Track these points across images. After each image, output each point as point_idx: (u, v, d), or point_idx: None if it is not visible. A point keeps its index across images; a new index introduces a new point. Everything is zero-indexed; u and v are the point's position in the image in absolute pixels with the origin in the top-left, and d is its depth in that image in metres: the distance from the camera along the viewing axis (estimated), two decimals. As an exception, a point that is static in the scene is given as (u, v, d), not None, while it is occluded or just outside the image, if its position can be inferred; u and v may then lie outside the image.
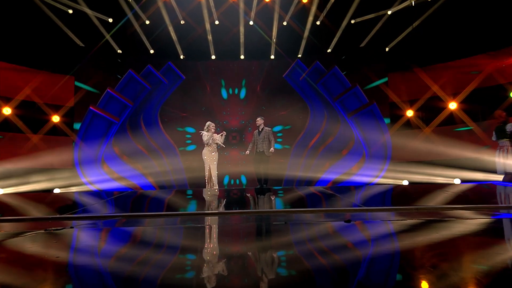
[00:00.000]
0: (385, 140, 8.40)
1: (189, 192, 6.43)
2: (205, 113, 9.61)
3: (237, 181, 9.60)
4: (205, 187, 6.79)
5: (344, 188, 7.10)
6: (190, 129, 9.69)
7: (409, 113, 8.36)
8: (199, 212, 3.74)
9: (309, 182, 9.26)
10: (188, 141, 9.68)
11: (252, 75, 9.78)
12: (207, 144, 6.60)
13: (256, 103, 9.77)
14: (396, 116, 8.62)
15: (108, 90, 8.09)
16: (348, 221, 2.72)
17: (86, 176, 8.11)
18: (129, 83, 8.55)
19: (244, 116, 9.78)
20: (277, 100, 9.69)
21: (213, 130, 6.69)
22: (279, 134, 9.59)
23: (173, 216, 3.43)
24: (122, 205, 4.47)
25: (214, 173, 6.65)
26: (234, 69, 9.73)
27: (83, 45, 8.69)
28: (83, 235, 2.60)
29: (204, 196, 5.65)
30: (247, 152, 7.16)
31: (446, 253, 1.86)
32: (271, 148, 6.92)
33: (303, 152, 9.59)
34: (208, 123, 6.77)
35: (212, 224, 3.00)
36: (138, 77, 8.57)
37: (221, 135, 6.77)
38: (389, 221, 2.95)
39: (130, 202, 4.77)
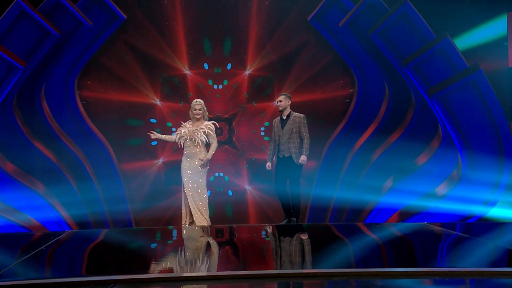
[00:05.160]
0: (500, 135, 8.29)
1: (153, 232, 6.57)
2: (169, 87, 9.58)
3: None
4: (182, 224, 7.10)
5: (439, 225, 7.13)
6: (138, 121, 9.62)
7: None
8: (170, 275, 3.73)
9: (356, 212, 9.27)
10: (135, 141, 9.35)
11: (251, 18, 9.62)
12: (182, 145, 6.99)
13: (259, 67, 9.71)
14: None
15: (-24, 37, 7.90)
16: None
17: None
18: (17, 24, 8.25)
19: (236, 93, 9.73)
20: (297, 64, 9.67)
21: (199, 115, 7.04)
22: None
23: (106, 284, 3.38)
24: (7, 263, 4.43)
25: (195, 197, 6.92)
26: (217, 6, 9.58)
27: None
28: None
29: (183, 240, 5.99)
30: (268, 164, 7.40)
31: None
32: (302, 156, 7.05)
33: (345, 157, 9.60)
34: (196, 102, 7.17)
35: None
36: (34, 13, 8.23)
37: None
38: None
39: (18, 256, 4.85)
